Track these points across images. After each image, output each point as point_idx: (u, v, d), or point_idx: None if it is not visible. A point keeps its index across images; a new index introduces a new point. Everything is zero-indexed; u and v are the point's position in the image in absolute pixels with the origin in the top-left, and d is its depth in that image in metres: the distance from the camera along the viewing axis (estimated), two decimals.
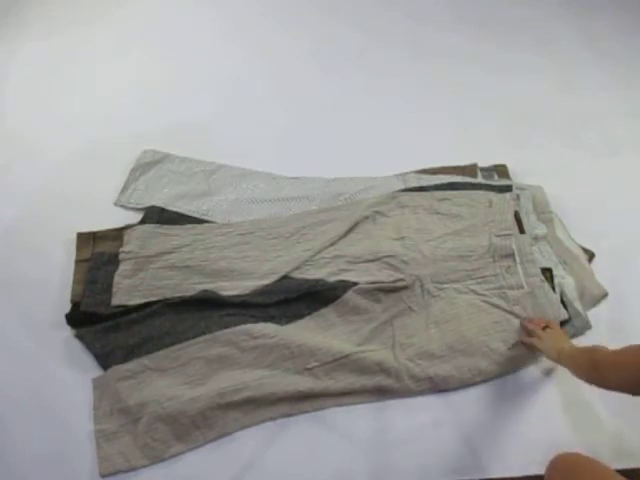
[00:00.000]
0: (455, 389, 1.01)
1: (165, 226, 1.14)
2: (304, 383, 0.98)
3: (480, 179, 1.27)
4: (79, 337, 1.03)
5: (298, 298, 1.06)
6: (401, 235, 1.14)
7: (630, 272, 1.17)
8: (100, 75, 1.47)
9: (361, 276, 1.09)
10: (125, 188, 1.24)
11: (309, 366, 0.99)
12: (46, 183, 1.25)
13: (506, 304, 1.07)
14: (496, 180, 1.28)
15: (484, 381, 1.02)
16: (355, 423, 0.98)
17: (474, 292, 1.09)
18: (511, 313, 1.06)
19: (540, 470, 0.88)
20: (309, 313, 1.06)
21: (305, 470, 0.93)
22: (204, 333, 1.02)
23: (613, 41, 1.64)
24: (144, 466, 0.92)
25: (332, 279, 1.09)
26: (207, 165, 1.28)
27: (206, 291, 1.06)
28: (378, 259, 1.11)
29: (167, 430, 0.94)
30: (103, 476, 0.91)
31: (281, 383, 0.97)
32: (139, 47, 1.54)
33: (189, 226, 1.15)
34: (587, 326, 1.09)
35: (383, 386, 0.99)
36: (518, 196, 1.21)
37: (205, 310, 1.05)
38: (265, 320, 1.04)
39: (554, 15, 1.71)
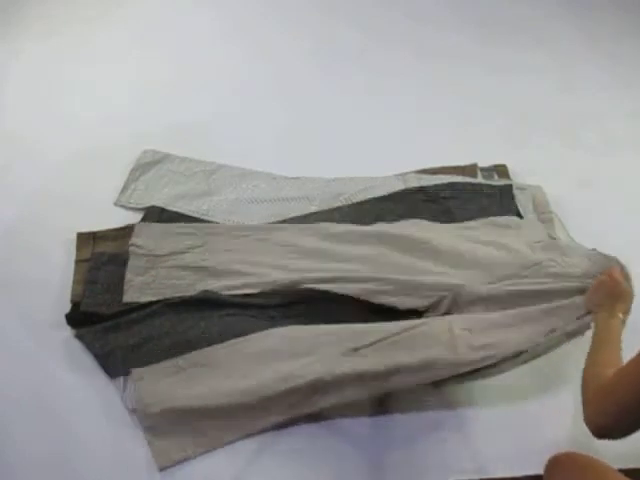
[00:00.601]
0: (509, 362, 0.95)
1: (180, 224, 1.14)
2: (352, 365, 0.93)
3: (480, 179, 1.27)
4: (79, 337, 1.02)
5: (299, 301, 1.06)
6: (442, 262, 1.08)
7: (630, 272, 1.17)
8: (100, 75, 1.47)
9: (400, 303, 1.04)
10: (125, 188, 1.24)
11: (357, 346, 0.95)
12: (46, 183, 1.25)
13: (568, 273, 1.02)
14: (496, 180, 1.28)
15: (550, 349, 0.96)
16: (355, 423, 0.98)
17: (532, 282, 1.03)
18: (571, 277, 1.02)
19: (540, 470, 0.88)
20: (311, 314, 1.05)
21: (305, 470, 0.93)
22: (204, 333, 1.02)
23: (613, 41, 1.65)
24: (199, 454, 0.93)
25: (364, 298, 1.05)
26: (207, 165, 1.28)
27: (206, 291, 1.06)
28: (418, 288, 1.05)
29: (217, 422, 0.94)
30: (162, 469, 0.91)
31: (329, 367, 0.93)
32: (139, 47, 1.54)
33: (203, 225, 1.15)
34: (587, 326, 1.09)
35: (435, 359, 0.92)
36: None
37: (205, 310, 1.05)
38: (265, 320, 1.04)
39: (554, 15, 1.71)
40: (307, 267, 1.09)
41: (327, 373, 0.93)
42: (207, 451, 0.93)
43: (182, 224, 1.15)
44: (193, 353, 1.00)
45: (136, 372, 0.98)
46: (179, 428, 0.94)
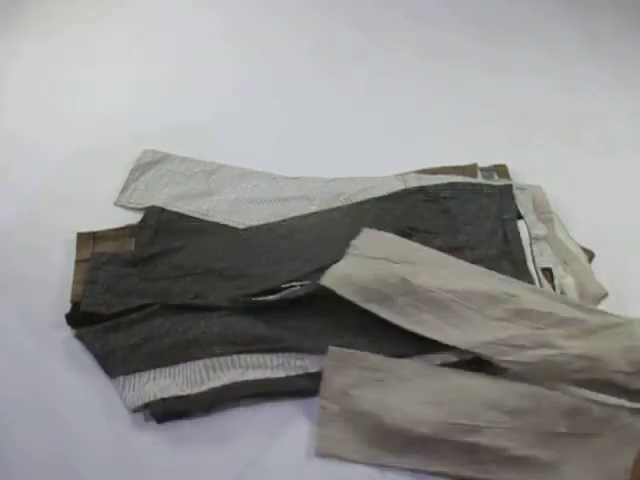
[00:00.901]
0: None
1: (400, 239, 1.10)
2: (548, 450, 0.83)
3: (480, 179, 1.27)
4: (79, 337, 1.02)
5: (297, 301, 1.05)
6: None
7: (630, 272, 1.17)
8: (100, 75, 1.47)
9: None
10: (125, 188, 1.24)
11: (559, 430, 0.85)
12: (46, 183, 1.25)
13: None
14: (496, 180, 1.28)
15: None
16: None
17: None
18: None
19: None
20: (311, 314, 1.05)
21: (305, 470, 0.93)
22: (204, 333, 1.02)
23: (613, 41, 1.64)
24: (359, 462, 0.91)
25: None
26: (207, 165, 1.28)
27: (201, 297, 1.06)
28: None
29: (388, 439, 0.90)
30: (318, 455, 0.91)
31: (521, 441, 0.84)
32: (139, 47, 1.54)
33: (423, 249, 1.10)
34: None
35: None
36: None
37: (205, 310, 1.05)
38: (265, 320, 1.04)
39: (554, 15, 1.71)
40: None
41: (515, 450, 0.84)
42: (363, 463, 0.91)
43: (402, 239, 1.10)
44: (391, 360, 0.97)
45: (333, 350, 0.97)
46: (349, 426, 0.92)
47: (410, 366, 0.96)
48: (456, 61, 1.56)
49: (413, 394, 0.92)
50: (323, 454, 0.92)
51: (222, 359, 1.00)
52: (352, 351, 0.97)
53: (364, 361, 0.96)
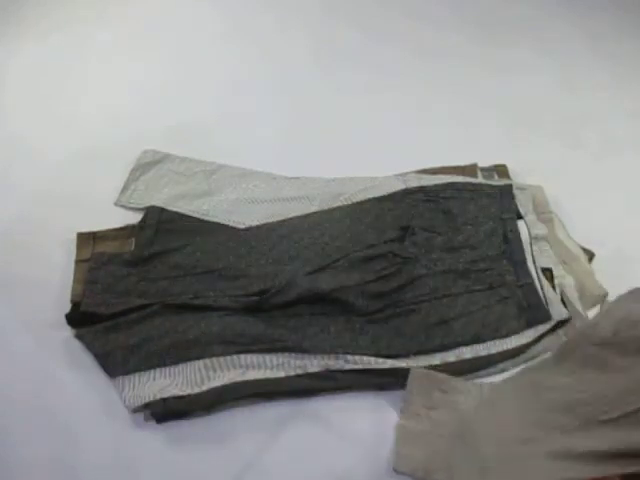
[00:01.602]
0: None
1: None
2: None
3: (480, 179, 1.27)
4: (79, 337, 1.02)
5: (297, 301, 1.05)
6: None
7: (630, 272, 1.17)
8: (100, 75, 1.47)
9: None
10: (125, 188, 1.24)
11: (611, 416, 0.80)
12: (46, 183, 1.25)
13: None
14: (496, 180, 1.28)
15: None
16: (355, 423, 0.97)
17: None
18: None
19: None
20: (311, 314, 1.05)
21: (305, 470, 0.93)
22: (204, 333, 1.02)
23: (613, 41, 1.64)
24: None
25: None
26: (207, 165, 1.28)
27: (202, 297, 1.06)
28: None
29: (469, 467, 0.87)
30: (396, 471, 0.90)
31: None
32: (139, 47, 1.54)
33: None
34: None
35: None
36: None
37: (205, 310, 1.05)
38: (265, 320, 1.04)
39: (554, 15, 1.71)
40: None
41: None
42: None
43: None
44: (472, 383, 0.97)
45: (416, 371, 0.97)
46: (430, 447, 0.90)
47: (499, 389, 0.95)
48: (456, 61, 1.56)
49: (500, 420, 0.90)
50: (401, 472, 0.90)
51: (222, 359, 1.00)
52: (434, 372, 0.98)
53: (444, 383, 0.96)
